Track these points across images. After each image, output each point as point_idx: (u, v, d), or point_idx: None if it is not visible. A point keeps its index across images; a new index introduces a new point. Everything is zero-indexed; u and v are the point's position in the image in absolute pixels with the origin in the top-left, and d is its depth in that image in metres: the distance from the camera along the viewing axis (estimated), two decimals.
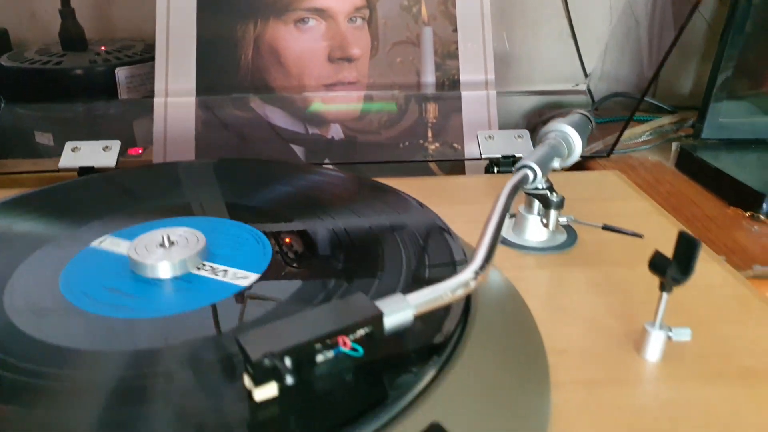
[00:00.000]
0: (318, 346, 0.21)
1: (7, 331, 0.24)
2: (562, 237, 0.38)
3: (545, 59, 0.72)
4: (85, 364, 0.22)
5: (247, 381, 0.20)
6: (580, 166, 0.56)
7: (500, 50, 0.70)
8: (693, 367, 0.27)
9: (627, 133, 0.60)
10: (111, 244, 0.31)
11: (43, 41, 0.69)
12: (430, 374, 0.22)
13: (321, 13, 0.53)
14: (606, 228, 0.33)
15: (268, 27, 0.53)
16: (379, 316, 0.22)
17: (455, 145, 0.53)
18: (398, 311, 0.22)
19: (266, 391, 0.20)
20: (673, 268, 0.25)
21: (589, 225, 0.35)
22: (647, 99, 0.70)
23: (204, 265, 0.28)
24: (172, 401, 0.21)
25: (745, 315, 0.30)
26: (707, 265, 0.35)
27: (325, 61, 0.53)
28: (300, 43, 0.53)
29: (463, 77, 0.54)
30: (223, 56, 0.53)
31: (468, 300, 0.27)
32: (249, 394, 0.20)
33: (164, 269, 0.27)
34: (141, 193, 0.38)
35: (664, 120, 0.62)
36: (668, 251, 0.34)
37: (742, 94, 0.54)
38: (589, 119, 0.42)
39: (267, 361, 0.19)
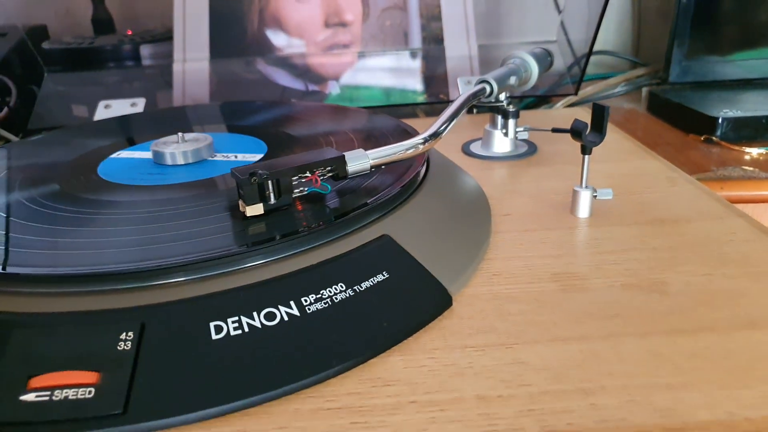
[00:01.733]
0: (294, 178, 0.27)
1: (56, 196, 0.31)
2: (524, 148, 0.43)
3: (531, 25, 0.77)
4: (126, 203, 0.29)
5: (240, 204, 0.26)
6: None
7: (489, 19, 0.76)
8: (614, 219, 0.32)
9: (602, 84, 0.65)
10: (132, 153, 0.37)
11: (75, 33, 0.77)
12: (386, 208, 0.28)
13: None
14: (555, 130, 0.39)
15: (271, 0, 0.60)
16: (342, 159, 0.28)
17: (441, 95, 0.59)
18: (359, 159, 0.28)
19: (254, 209, 0.26)
20: (588, 131, 0.31)
21: (541, 130, 0.41)
22: (630, 58, 0.75)
23: (216, 154, 0.35)
24: (181, 220, 0.27)
25: (669, 188, 0.36)
26: (646, 161, 0.40)
27: (322, 26, 0.60)
28: (299, 12, 0.60)
29: (447, 35, 0.60)
30: (232, 27, 0.60)
31: (426, 169, 0.33)
32: (242, 213, 0.26)
33: (176, 157, 0.34)
34: (159, 124, 0.45)
35: (638, 72, 0.67)
36: (620, 158, 0.40)
37: (702, 39, 0.59)
38: (549, 53, 0.47)
39: (254, 178, 0.25)
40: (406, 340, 0.23)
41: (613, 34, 0.79)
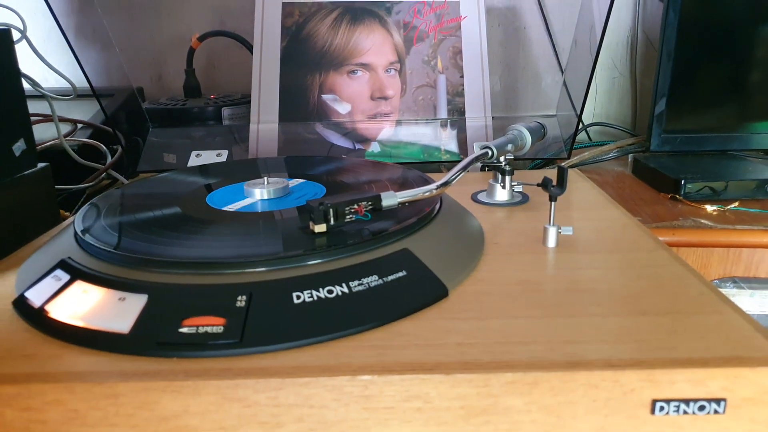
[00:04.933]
0: (347, 208, 0.40)
1: (182, 216, 0.45)
2: (519, 198, 0.56)
3: (543, 103, 0.91)
4: (225, 221, 0.43)
5: (311, 224, 0.40)
6: None
7: (506, 95, 0.90)
8: (572, 248, 0.44)
9: (597, 150, 0.78)
10: (229, 189, 0.51)
11: (167, 96, 0.95)
12: (406, 231, 0.41)
13: (366, 66, 0.76)
14: (539, 185, 0.51)
15: (329, 77, 0.76)
16: (378, 197, 0.41)
17: (461, 155, 0.72)
18: (390, 198, 0.42)
19: (320, 227, 0.40)
20: (552, 184, 0.44)
21: (529, 184, 0.54)
22: (624, 129, 0.88)
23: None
24: (273, 232, 0.40)
25: (621, 230, 0.48)
26: (610, 211, 0.52)
27: (368, 99, 0.75)
28: (351, 87, 0.75)
29: (468, 109, 0.74)
30: (297, 97, 0.75)
31: (439, 208, 0.46)
32: (312, 230, 0.40)
33: (264, 193, 0.48)
34: (244, 170, 0.59)
35: (628, 141, 0.79)
36: (592, 207, 0.53)
37: (677, 117, 0.72)
38: (543, 126, 0.61)
39: (321, 207, 0.39)
40: (415, 313, 0.35)
41: (615, 108, 0.93)
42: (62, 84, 0.80)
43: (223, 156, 0.68)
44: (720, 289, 0.42)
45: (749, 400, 0.29)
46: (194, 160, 0.69)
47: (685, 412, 0.30)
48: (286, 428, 0.30)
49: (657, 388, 0.29)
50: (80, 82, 0.73)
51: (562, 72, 0.89)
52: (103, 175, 0.73)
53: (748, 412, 0.29)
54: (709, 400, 0.30)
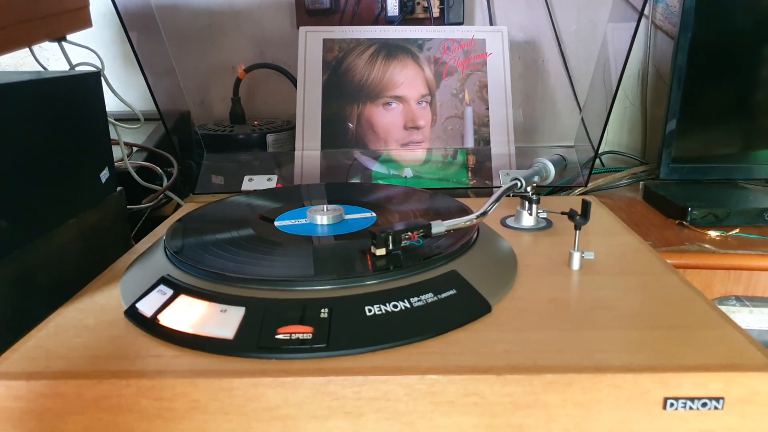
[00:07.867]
0: (404, 235, 0.48)
1: (257, 238, 0.52)
2: (543, 224, 0.63)
3: (560, 130, 0.99)
4: (293, 243, 0.50)
5: (372, 248, 0.47)
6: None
7: (526, 123, 0.98)
8: (594, 271, 0.51)
9: (610, 177, 0.85)
10: (292, 214, 0.59)
11: (210, 119, 1.03)
12: (454, 255, 0.49)
13: (400, 99, 0.83)
14: (563, 213, 0.59)
15: (366, 108, 0.83)
16: (429, 225, 0.49)
17: (486, 182, 0.80)
18: (438, 226, 0.49)
19: (381, 252, 0.47)
20: (578, 215, 0.51)
21: (555, 213, 0.61)
22: (635, 157, 0.95)
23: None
24: (336, 255, 0.48)
25: (635, 254, 0.55)
26: (625, 236, 0.59)
27: (401, 129, 0.82)
28: (386, 118, 0.83)
29: (493, 138, 0.81)
30: (337, 126, 0.83)
31: (476, 234, 0.53)
32: (373, 253, 0.47)
33: (324, 219, 0.55)
34: (303, 195, 0.67)
35: (639, 168, 0.86)
36: (608, 233, 0.60)
37: (686, 147, 0.79)
38: (564, 159, 0.68)
39: (383, 234, 0.46)
40: (465, 325, 0.42)
41: (626, 136, 1.00)
42: (113, 108, 0.88)
43: (273, 180, 0.76)
44: (722, 306, 0.49)
45: (742, 399, 0.36)
46: (247, 184, 0.76)
47: (690, 408, 0.37)
48: (367, 417, 0.37)
49: (668, 388, 0.36)
50: (136, 107, 0.81)
51: (578, 103, 0.96)
52: (161, 195, 0.81)
53: (741, 409, 0.36)
54: (710, 399, 0.37)
